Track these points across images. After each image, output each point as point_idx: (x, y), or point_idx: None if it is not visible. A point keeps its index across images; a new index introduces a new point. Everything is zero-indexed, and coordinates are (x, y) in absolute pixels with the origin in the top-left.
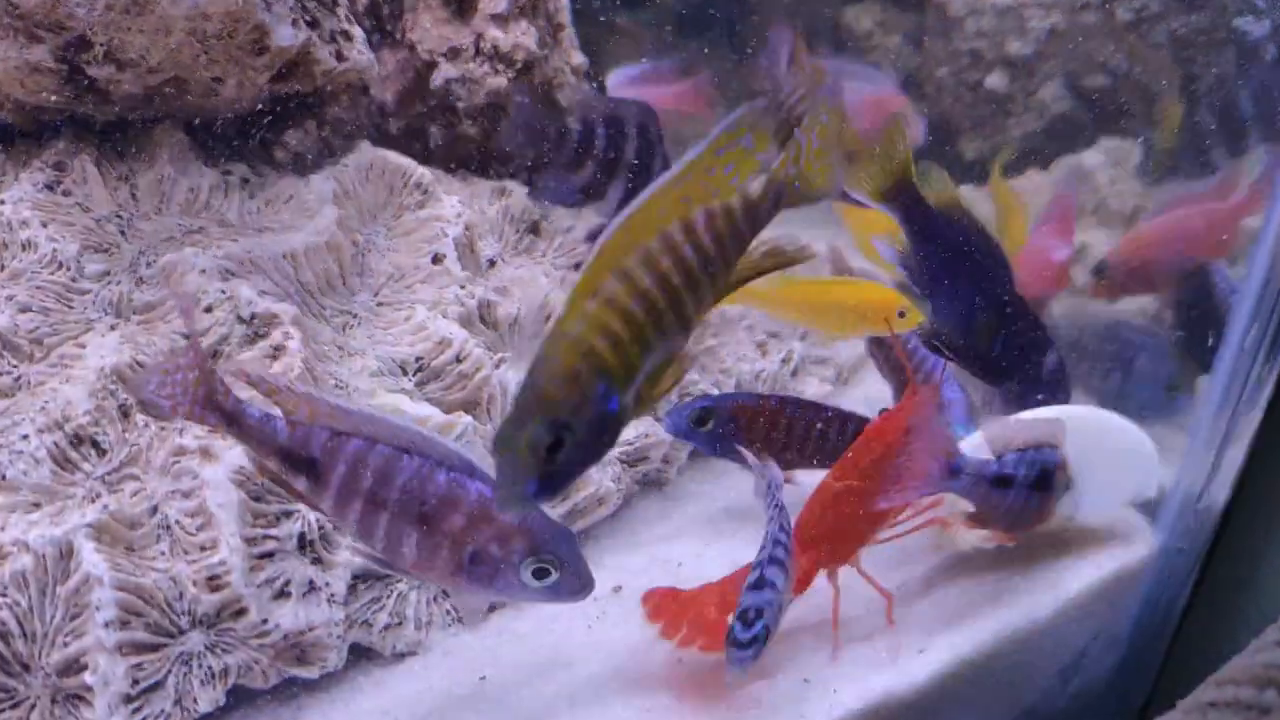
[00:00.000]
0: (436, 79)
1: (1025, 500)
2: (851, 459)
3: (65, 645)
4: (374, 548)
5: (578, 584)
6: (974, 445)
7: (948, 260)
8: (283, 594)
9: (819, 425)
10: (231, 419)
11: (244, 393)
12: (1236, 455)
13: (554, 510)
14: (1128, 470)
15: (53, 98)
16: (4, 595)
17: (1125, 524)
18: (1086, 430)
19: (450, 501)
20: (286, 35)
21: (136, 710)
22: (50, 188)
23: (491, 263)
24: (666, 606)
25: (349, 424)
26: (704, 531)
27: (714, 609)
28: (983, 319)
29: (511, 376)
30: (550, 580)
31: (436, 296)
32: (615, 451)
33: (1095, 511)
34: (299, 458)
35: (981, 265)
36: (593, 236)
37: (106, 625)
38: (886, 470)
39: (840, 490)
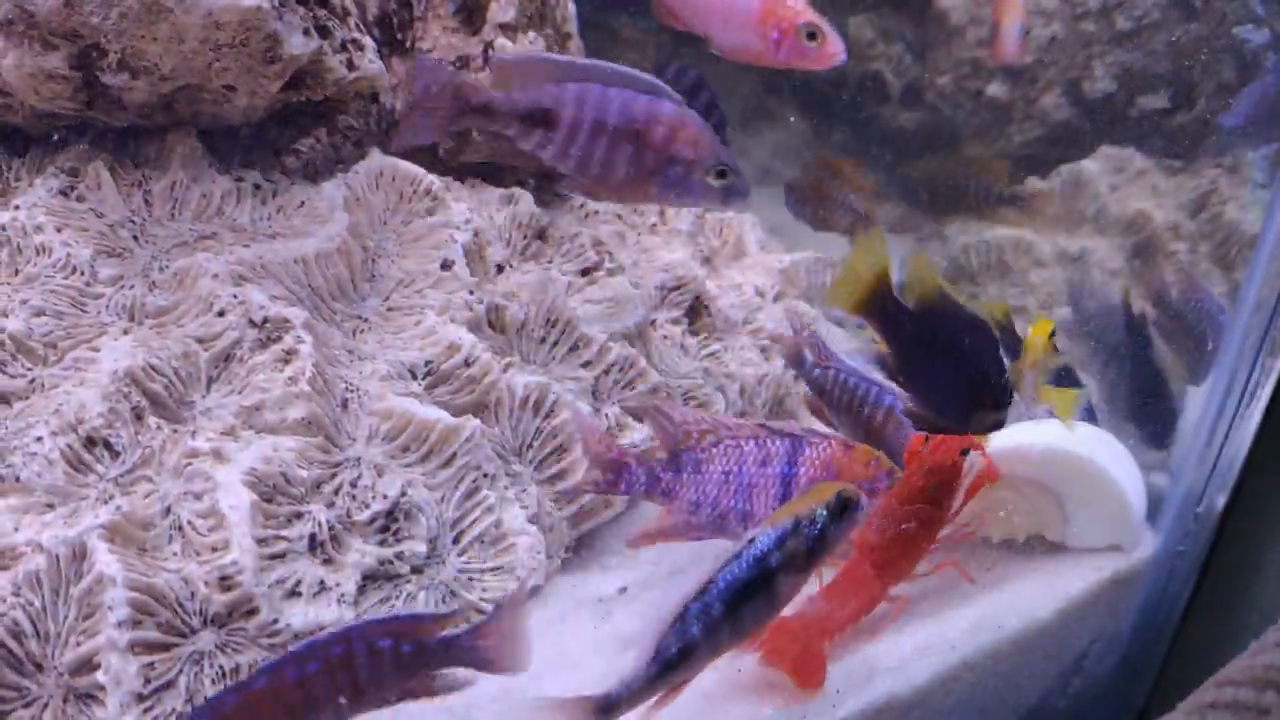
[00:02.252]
0: None
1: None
2: (910, 483)
3: (78, 645)
4: (590, 174)
5: (744, 187)
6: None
7: (927, 354)
8: (293, 594)
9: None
10: (483, 108)
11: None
12: (1236, 457)
13: (560, 512)
14: (1120, 503)
15: (67, 105)
16: (17, 595)
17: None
18: (1087, 456)
19: (653, 118)
20: (298, 44)
21: (148, 709)
22: (64, 193)
23: (500, 268)
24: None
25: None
26: None
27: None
28: (963, 398)
29: (519, 380)
30: (727, 181)
31: (445, 301)
32: None
33: (1086, 538)
34: (536, 113)
35: (962, 348)
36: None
37: (119, 625)
38: (948, 495)
39: (905, 513)
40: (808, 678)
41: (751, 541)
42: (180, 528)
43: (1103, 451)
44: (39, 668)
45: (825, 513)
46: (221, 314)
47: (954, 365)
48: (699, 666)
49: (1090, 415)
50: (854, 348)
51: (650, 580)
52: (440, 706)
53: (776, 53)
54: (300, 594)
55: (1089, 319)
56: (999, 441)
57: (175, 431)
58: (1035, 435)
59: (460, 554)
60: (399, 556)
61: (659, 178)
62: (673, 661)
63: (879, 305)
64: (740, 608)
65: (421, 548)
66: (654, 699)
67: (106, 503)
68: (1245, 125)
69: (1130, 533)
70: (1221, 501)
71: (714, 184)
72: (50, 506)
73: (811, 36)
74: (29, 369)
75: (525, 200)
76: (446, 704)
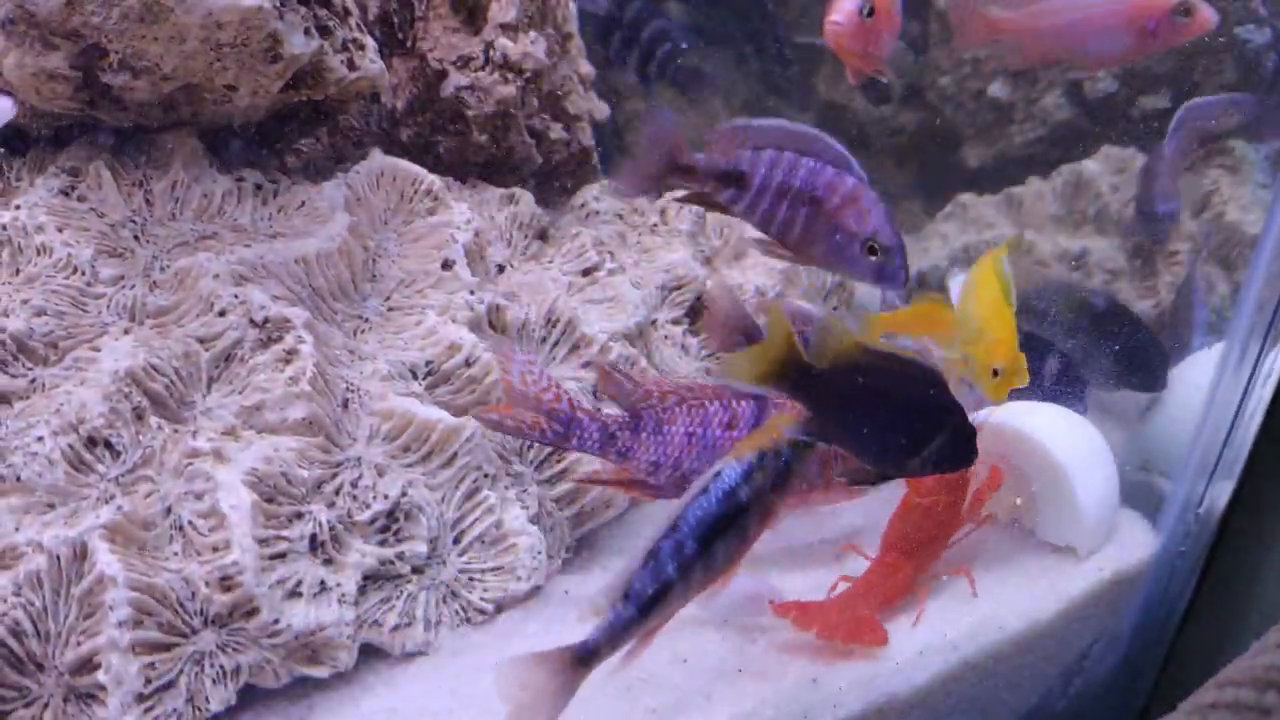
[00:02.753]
0: (447, 87)
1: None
2: (932, 479)
3: (78, 644)
4: (771, 231)
5: (898, 273)
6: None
7: (853, 412)
8: (294, 594)
9: None
10: (687, 169)
11: None
12: (1237, 457)
13: (562, 512)
14: (1070, 506)
15: (68, 104)
16: (18, 595)
17: (1126, 527)
18: (1048, 448)
19: (830, 188)
20: (299, 43)
21: (149, 709)
22: (65, 193)
23: (500, 268)
24: (811, 615)
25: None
26: None
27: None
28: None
29: None
30: (879, 259)
31: (446, 302)
32: None
33: (1049, 533)
34: (731, 174)
35: (893, 398)
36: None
37: (120, 625)
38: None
39: (928, 504)
40: (870, 637)
41: (718, 475)
42: (181, 528)
43: (1070, 449)
44: (40, 667)
45: (788, 444)
46: (222, 314)
47: (893, 412)
48: (675, 607)
49: (1081, 394)
50: None
51: None
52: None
53: (1154, 42)
54: (301, 594)
55: None
56: (989, 415)
57: (176, 431)
58: (1014, 416)
59: (461, 554)
60: (400, 557)
61: (825, 243)
62: (650, 603)
63: (789, 377)
64: (713, 543)
65: (422, 548)
66: (632, 644)
67: (107, 502)
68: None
69: (1083, 538)
70: (1222, 502)
71: (869, 259)
72: (51, 506)
73: (1186, 12)
74: (30, 369)
75: (526, 200)
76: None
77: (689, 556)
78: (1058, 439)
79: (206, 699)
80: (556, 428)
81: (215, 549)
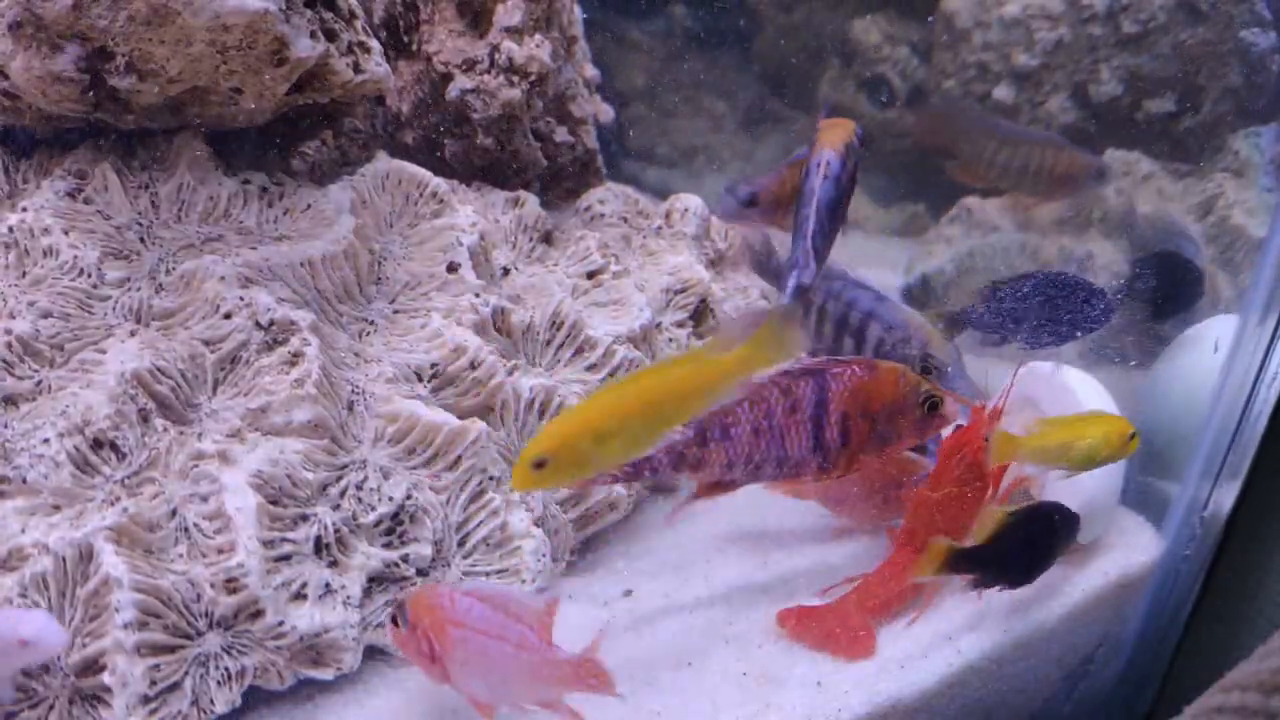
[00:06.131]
0: (452, 90)
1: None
2: (942, 471)
3: (84, 646)
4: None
5: None
6: None
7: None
8: (299, 596)
9: None
10: None
11: None
12: (1242, 460)
13: (566, 515)
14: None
15: (75, 107)
16: (24, 597)
17: (1131, 530)
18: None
19: None
20: (305, 47)
21: (154, 711)
22: (71, 195)
23: (505, 271)
24: (806, 622)
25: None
26: (711, 538)
27: (854, 617)
28: None
29: (525, 383)
30: None
31: (451, 304)
32: None
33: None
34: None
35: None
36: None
37: (125, 626)
38: (974, 477)
39: (939, 498)
40: (855, 649)
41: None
42: (186, 530)
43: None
44: (45, 669)
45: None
46: (228, 316)
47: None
48: None
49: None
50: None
51: (656, 585)
52: None
53: None
54: (306, 596)
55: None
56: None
57: (182, 434)
58: (1050, 367)
59: (466, 557)
60: (404, 559)
61: None
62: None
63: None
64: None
65: (427, 550)
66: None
67: (113, 504)
68: None
69: (1090, 523)
70: (1228, 505)
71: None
72: (57, 508)
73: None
74: (36, 371)
75: (531, 203)
76: None
77: None
78: (1087, 390)
79: (211, 701)
80: (627, 469)
81: (220, 551)
